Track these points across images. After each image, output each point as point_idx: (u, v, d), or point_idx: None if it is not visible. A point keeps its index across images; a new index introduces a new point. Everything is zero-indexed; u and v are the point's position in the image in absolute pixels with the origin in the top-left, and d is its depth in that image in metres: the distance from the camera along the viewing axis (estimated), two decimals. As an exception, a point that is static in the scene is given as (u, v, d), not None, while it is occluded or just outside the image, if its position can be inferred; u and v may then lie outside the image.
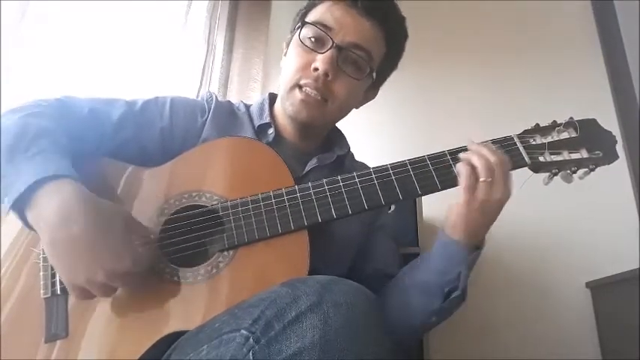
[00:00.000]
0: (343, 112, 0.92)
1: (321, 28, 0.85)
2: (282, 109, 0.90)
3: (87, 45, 1.21)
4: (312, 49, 0.85)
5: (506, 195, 0.73)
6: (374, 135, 1.85)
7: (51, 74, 1.10)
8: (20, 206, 0.64)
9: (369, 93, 0.96)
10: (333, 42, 0.83)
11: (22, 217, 0.66)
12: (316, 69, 0.83)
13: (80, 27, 1.20)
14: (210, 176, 0.79)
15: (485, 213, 0.73)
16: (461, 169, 0.73)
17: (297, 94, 0.85)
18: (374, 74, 0.89)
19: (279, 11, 1.88)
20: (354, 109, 0.96)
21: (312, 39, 0.85)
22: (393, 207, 0.99)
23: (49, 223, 0.63)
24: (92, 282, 0.63)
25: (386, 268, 0.91)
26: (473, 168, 0.73)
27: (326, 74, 0.83)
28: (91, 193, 0.67)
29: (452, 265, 0.74)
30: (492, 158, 0.73)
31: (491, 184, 0.72)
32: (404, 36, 0.94)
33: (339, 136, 1.00)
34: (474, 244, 0.75)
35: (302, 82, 0.84)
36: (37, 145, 0.67)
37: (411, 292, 0.79)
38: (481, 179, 0.72)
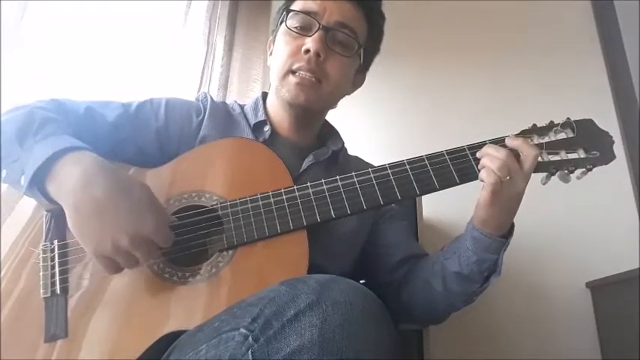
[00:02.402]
0: (337, 94, 0.94)
1: (305, 13, 0.87)
2: (278, 100, 0.91)
3: (87, 45, 1.21)
4: (301, 34, 0.87)
5: (525, 184, 0.75)
6: (374, 134, 1.85)
7: (51, 74, 1.10)
8: (40, 179, 0.66)
9: (358, 77, 0.98)
10: (319, 24, 0.86)
11: (42, 191, 0.67)
12: (307, 50, 0.85)
13: (80, 27, 1.20)
14: (210, 177, 0.79)
15: (510, 207, 0.77)
16: (483, 176, 0.75)
17: (292, 79, 0.86)
18: (362, 52, 0.92)
19: (279, 11, 1.88)
20: (352, 104, 0.98)
21: (299, 26, 0.88)
22: (393, 206, 1.00)
23: (72, 190, 0.64)
24: (117, 247, 0.63)
25: (411, 251, 0.95)
26: (492, 171, 0.74)
27: (317, 54, 0.84)
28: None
29: (489, 254, 0.78)
30: (501, 155, 0.75)
31: (510, 181, 0.74)
32: (382, 17, 0.97)
33: (333, 132, 1.02)
34: (503, 232, 0.79)
35: (295, 66, 0.86)
36: (46, 130, 0.70)
37: (450, 280, 0.83)
38: (502, 180, 0.73)
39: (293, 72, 0.86)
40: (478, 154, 0.78)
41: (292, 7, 0.90)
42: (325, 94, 0.88)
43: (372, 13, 0.93)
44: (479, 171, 0.77)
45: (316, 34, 0.85)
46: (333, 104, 0.96)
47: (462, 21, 2.01)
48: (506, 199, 0.75)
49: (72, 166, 0.66)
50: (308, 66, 0.85)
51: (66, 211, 0.65)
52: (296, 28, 0.88)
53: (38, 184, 0.67)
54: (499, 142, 0.80)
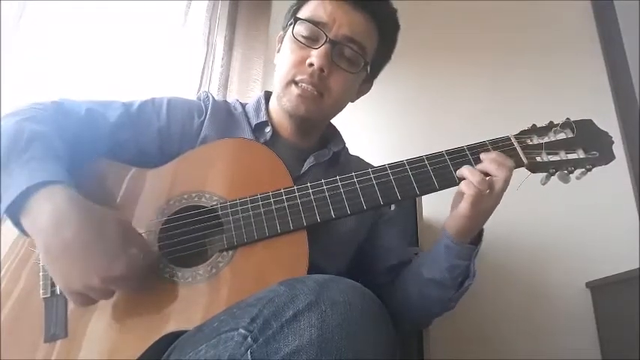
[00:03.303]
0: (339, 106, 0.93)
1: (314, 23, 0.85)
2: (279, 106, 0.90)
3: (87, 45, 1.21)
4: (306, 45, 0.86)
5: (501, 195, 0.76)
6: (374, 135, 1.85)
7: (51, 74, 1.10)
8: (14, 213, 0.64)
9: (364, 86, 0.97)
10: (326, 37, 0.84)
11: (17, 224, 0.65)
12: (311, 64, 0.83)
13: (80, 27, 1.20)
14: (210, 177, 0.79)
15: (484, 217, 0.78)
16: (464, 188, 0.75)
17: (294, 90, 0.85)
18: (368, 67, 0.90)
19: (279, 11, 1.88)
20: (352, 105, 0.96)
21: (306, 35, 0.86)
22: (393, 206, 1.00)
23: (42, 230, 0.62)
24: (88, 287, 0.62)
25: (404, 257, 0.95)
26: (472, 184, 0.74)
27: (321, 69, 0.83)
28: (84, 198, 0.66)
29: (461, 261, 0.80)
30: (481, 168, 0.75)
31: (489, 194, 0.74)
32: (396, 28, 0.95)
33: (334, 133, 1.01)
34: (472, 238, 0.81)
35: (297, 77, 0.85)
36: (30, 150, 0.67)
37: (427, 286, 0.84)
38: (482, 193, 0.74)
39: (296, 82, 0.85)
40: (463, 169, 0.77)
41: (301, 14, 0.88)
42: (327, 106, 0.88)
43: (385, 24, 0.91)
44: None
45: (322, 47, 0.83)
46: (334, 114, 0.95)
47: (462, 21, 2.01)
48: (483, 210, 0.75)
49: (44, 202, 0.63)
50: (311, 79, 0.84)
51: (38, 249, 0.64)
52: (302, 37, 0.86)
53: (13, 219, 0.65)
54: (499, 142, 0.80)
